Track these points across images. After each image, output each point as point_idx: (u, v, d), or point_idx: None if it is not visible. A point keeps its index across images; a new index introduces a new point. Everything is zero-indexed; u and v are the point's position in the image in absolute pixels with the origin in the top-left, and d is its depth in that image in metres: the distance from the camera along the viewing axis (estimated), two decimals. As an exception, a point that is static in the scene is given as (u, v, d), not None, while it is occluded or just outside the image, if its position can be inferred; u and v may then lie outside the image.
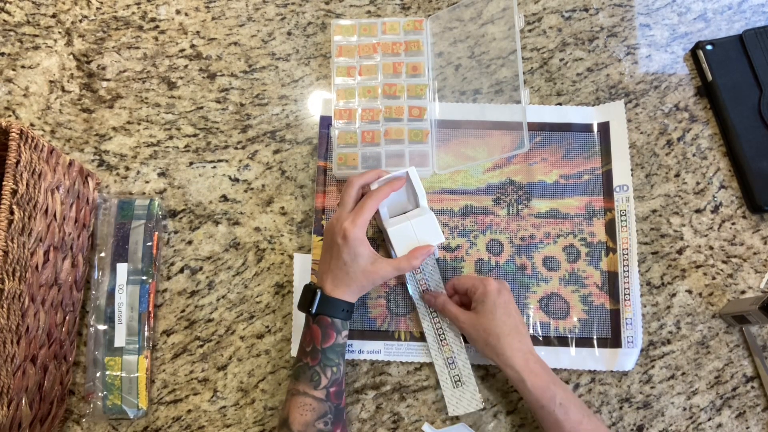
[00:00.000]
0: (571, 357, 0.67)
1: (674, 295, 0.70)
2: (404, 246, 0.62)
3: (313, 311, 0.59)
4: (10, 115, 0.73)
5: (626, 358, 0.67)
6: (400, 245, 0.62)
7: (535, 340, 0.67)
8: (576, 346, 0.67)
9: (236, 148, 0.74)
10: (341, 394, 0.60)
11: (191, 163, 0.73)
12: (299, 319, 0.68)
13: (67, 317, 0.64)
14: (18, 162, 0.52)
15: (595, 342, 0.68)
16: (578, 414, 0.56)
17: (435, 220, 0.63)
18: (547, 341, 0.68)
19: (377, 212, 0.63)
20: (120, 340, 0.66)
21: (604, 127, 0.74)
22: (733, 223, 0.71)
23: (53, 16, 0.77)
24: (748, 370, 0.68)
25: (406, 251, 0.62)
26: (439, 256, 0.71)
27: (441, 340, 0.67)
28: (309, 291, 0.60)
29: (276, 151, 0.74)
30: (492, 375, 0.67)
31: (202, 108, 0.75)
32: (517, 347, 0.59)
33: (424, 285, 0.68)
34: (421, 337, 0.68)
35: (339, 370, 0.59)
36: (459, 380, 0.66)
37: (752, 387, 0.67)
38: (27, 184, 0.53)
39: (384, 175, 0.64)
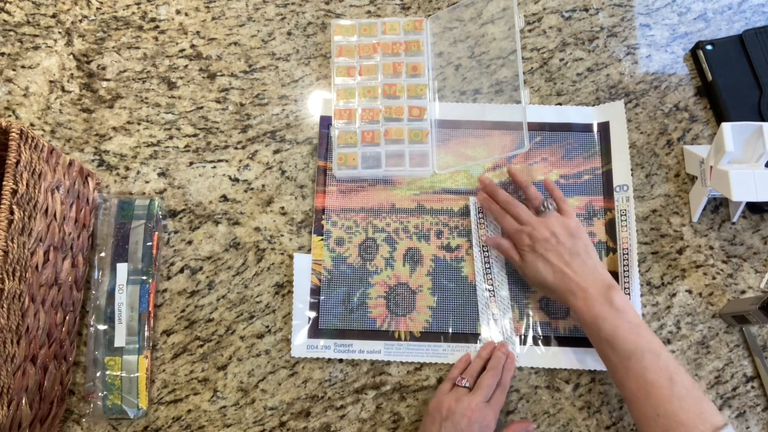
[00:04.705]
0: (571, 357, 0.67)
1: (674, 295, 0.70)
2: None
3: None
4: (10, 115, 0.73)
5: (626, 358, 0.67)
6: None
7: (535, 340, 0.67)
8: (576, 346, 0.67)
9: (236, 148, 0.74)
10: None
11: (191, 163, 0.73)
12: (299, 319, 0.68)
13: (67, 317, 0.64)
14: (18, 162, 0.52)
15: (595, 342, 0.68)
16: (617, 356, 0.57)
17: None
18: (547, 341, 0.68)
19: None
20: (120, 340, 0.66)
21: (604, 127, 0.74)
22: (733, 223, 0.71)
23: (53, 16, 0.77)
24: (748, 370, 0.68)
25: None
26: (440, 256, 0.71)
27: (486, 274, 0.70)
28: None
29: (276, 151, 0.74)
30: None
31: (202, 108, 0.75)
32: (569, 293, 0.61)
33: (485, 240, 0.70)
34: (421, 337, 0.68)
35: None
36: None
37: (752, 387, 0.67)
38: (27, 184, 0.53)
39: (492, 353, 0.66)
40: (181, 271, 0.70)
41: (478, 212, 0.71)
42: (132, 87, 0.75)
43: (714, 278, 0.70)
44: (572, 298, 0.60)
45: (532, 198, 0.68)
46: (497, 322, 0.68)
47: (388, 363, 0.68)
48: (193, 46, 0.77)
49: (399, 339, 0.68)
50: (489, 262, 0.69)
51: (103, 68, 0.76)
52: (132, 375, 0.65)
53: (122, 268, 0.67)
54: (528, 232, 0.64)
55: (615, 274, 0.69)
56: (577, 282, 0.60)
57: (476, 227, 0.70)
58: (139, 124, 0.74)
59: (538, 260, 0.62)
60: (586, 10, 0.79)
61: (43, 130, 0.73)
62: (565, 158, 0.73)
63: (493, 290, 0.69)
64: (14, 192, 0.52)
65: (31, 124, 0.73)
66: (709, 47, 0.75)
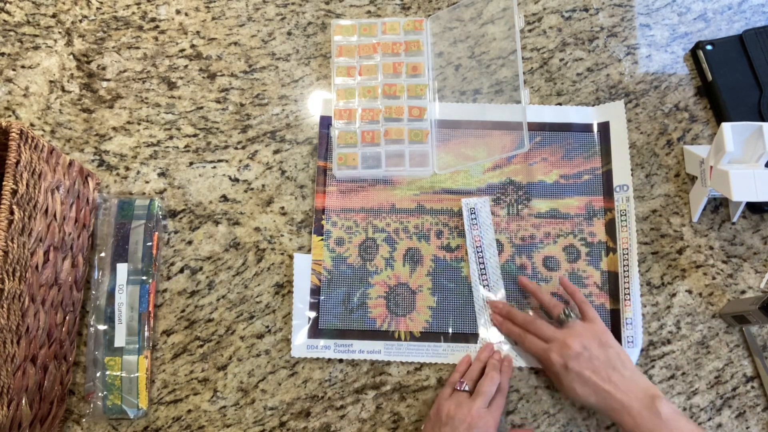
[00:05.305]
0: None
1: (674, 295, 0.70)
2: None
3: None
4: (10, 115, 0.73)
5: (626, 358, 0.67)
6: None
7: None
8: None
9: (236, 148, 0.74)
10: None
11: (191, 163, 0.73)
12: (299, 319, 0.68)
13: (67, 317, 0.64)
14: (18, 162, 0.52)
15: (595, 342, 0.68)
16: None
17: None
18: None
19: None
20: (120, 340, 0.66)
21: (604, 127, 0.74)
22: (733, 223, 0.71)
23: (53, 16, 0.77)
24: (748, 370, 0.68)
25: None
26: (440, 256, 0.71)
27: (482, 275, 0.69)
28: None
29: (276, 151, 0.74)
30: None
31: (202, 108, 0.75)
32: (615, 411, 0.57)
33: (478, 241, 0.69)
34: (421, 337, 0.68)
35: None
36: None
37: (752, 387, 0.67)
38: (27, 184, 0.53)
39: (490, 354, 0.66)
40: (181, 271, 0.70)
41: (471, 213, 0.70)
42: (132, 87, 0.75)
43: (714, 278, 0.70)
44: (618, 417, 0.57)
45: (550, 307, 0.65)
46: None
47: (388, 363, 0.68)
48: (193, 46, 0.77)
49: (399, 339, 0.68)
50: (484, 264, 0.69)
51: (103, 68, 0.76)
52: (132, 375, 0.65)
53: (122, 268, 0.67)
54: (557, 350, 0.60)
55: (615, 274, 0.69)
56: (620, 399, 0.57)
57: (470, 228, 0.70)
58: (139, 124, 0.74)
59: (575, 381, 0.59)
60: (586, 10, 0.79)
61: (43, 130, 0.73)
62: (565, 158, 0.73)
63: (490, 292, 0.69)
64: (14, 192, 0.52)
65: (31, 124, 0.73)
66: (709, 47, 0.75)
